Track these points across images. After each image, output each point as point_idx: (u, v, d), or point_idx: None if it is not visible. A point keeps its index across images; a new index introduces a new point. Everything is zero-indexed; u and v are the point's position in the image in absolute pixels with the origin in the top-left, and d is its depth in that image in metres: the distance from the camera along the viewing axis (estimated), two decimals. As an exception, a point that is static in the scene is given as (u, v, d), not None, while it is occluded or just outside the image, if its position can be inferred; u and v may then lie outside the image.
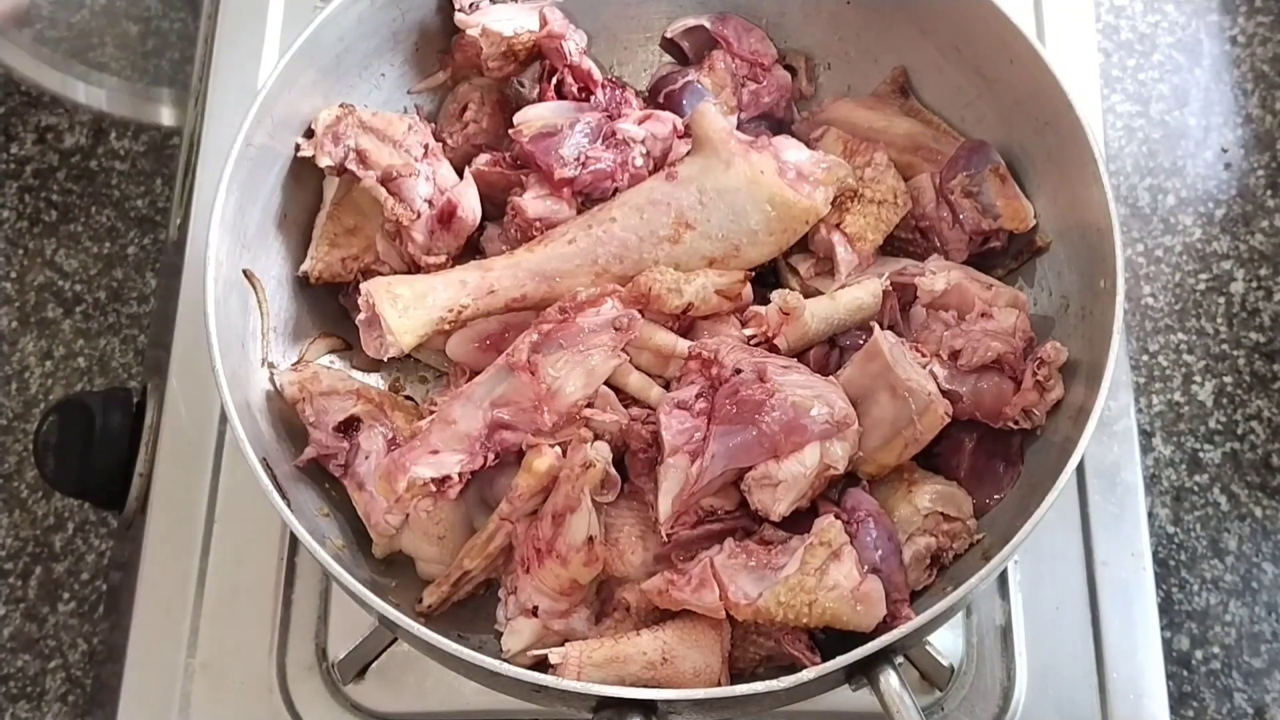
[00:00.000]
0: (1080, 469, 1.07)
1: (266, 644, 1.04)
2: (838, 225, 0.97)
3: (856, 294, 0.95)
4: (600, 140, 0.98)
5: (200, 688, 1.03)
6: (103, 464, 1.09)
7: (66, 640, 1.23)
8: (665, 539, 0.87)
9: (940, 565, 0.90)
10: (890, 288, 0.96)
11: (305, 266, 1.00)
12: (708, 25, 1.08)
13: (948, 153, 1.01)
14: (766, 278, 1.00)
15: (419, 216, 0.97)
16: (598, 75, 1.03)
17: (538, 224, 0.97)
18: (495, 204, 1.01)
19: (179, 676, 1.03)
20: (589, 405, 0.89)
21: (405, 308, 0.90)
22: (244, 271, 0.94)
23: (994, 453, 0.93)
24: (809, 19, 1.09)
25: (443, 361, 1.01)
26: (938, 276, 0.94)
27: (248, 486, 0.91)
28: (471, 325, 0.95)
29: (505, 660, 0.83)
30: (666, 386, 0.93)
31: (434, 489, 0.86)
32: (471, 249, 1.02)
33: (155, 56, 1.47)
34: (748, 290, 0.94)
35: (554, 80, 1.01)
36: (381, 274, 0.99)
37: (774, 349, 0.93)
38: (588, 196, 0.98)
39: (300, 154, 0.97)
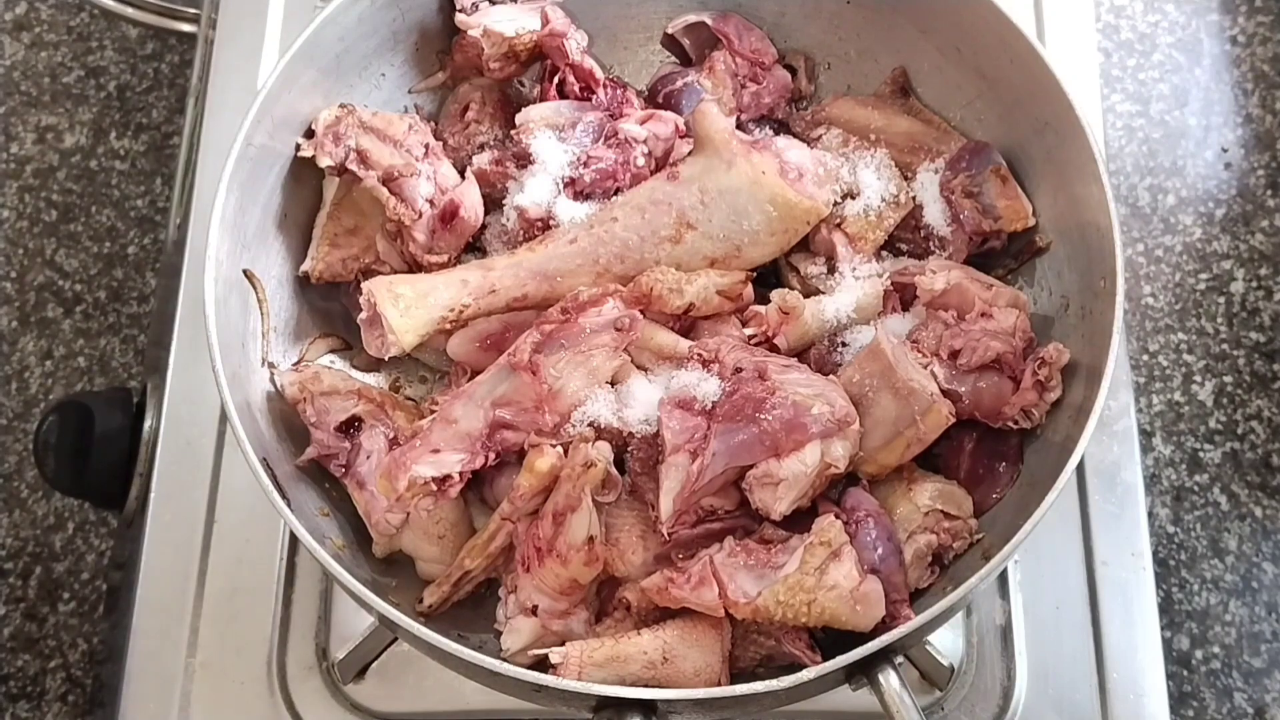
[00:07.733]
0: (1080, 469, 1.07)
1: (266, 644, 1.04)
2: (838, 225, 0.97)
3: (856, 294, 0.95)
4: (602, 139, 0.98)
5: (200, 688, 1.03)
6: (103, 464, 1.09)
7: (66, 640, 1.23)
8: (666, 538, 0.87)
9: (941, 564, 0.89)
10: (890, 288, 0.96)
11: (305, 266, 1.00)
12: (709, 22, 1.08)
13: (948, 153, 1.01)
14: (767, 277, 1.00)
15: (420, 216, 0.97)
16: (599, 74, 1.02)
17: (539, 224, 0.97)
18: (496, 203, 1.01)
19: (179, 676, 1.03)
20: (590, 405, 0.89)
21: (407, 307, 0.90)
22: (244, 271, 0.94)
23: (994, 452, 0.93)
24: (809, 19, 1.09)
25: (443, 361, 1.01)
26: (938, 276, 0.94)
27: (248, 486, 0.91)
28: (473, 325, 0.95)
29: (505, 660, 0.83)
30: (668, 386, 0.92)
31: (435, 488, 0.86)
32: (472, 248, 1.02)
33: (155, 60, 1.47)
34: (749, 290, 0.94)
35: (555, 79, 1.01)
36: (382, 274, 0.99)
37: (774, 348, 0.93)
38: (589, 196, 0.98)
39: (300, 154, 0.97)
